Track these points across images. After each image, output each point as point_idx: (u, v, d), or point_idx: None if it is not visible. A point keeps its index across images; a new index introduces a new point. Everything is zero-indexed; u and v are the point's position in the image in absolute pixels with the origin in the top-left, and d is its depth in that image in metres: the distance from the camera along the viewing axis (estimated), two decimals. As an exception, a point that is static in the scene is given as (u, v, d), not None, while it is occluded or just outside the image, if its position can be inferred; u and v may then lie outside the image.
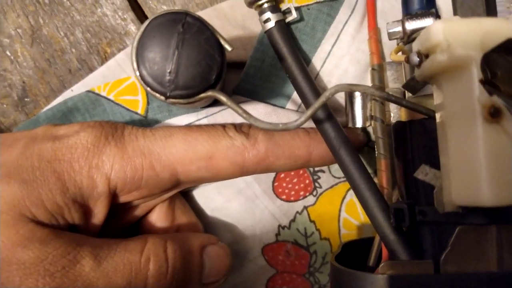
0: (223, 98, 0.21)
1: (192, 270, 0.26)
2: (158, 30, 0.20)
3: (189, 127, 0.26)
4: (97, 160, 0.24)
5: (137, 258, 0.24)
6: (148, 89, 0.21)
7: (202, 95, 0.21)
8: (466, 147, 0.18)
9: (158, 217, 0.28)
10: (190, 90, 0.21)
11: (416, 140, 0.22)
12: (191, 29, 0.20)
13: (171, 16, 0.20)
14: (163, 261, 0.24)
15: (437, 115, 0.20)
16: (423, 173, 0.21)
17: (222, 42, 0.21)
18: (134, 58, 0.21)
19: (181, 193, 0.31)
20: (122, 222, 0.28)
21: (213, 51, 0.21)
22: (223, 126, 0.26)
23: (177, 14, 0.20)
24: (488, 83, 0.18)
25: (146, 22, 0.21)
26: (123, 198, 0.25)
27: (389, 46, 0.28)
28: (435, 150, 0.21)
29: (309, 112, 0.21)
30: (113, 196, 0.25)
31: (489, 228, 0.20)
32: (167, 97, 0.21)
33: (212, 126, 0.26)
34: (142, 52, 0.20)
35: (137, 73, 0.21)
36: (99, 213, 0.25)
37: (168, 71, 0.20)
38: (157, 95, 0.21)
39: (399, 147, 0.24)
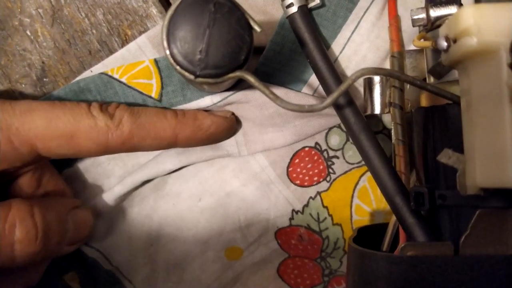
0: (251, 78, 0.21)
1: (59, 233, 0.27)
2: (190, 9, 0.21)
3: (53, 103, 0.26)
4: None
5: (1, 225, 0.24)
6: (178, 67, 0.21)
7: (231, 75, 0.21)
8: (492, 130, 0.18)
9: (23, 183, 0.28)
10: (219, 70, 0.21)
11: (439, 125, 0.23)
12: (222, 9, 0.21)
13: (203, -4, 0.21)
14: (31, 227, 0.25)
15: (462, 100, 0.21)
16: (446, 156, 0.21)
17: (252, 23, 0.21)
18: (165, 37, 0.21)
19: (184, 173, 0.32)
20: None
21: (243, 32, 0.21)
22: (89, 104, 0.26)
23: (208, -6, 0.21)
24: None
25: (178, 1, 0.21)
26: None
27: (409, 34, 0.29)
28: (458, 135, 0.21)
29: (336, 94, 0.21)
30: None
31: (509, 211, 0.21)
32: (196, 76, 0.21)
33: (77, 104, 0.26)
34: (173, 30, 0.21)
35: (168, 52, 0.21)
36: None
37: (199, 50, 0.21)
38: (186, 74, 0.21)
39: (420, 133, 0.24)
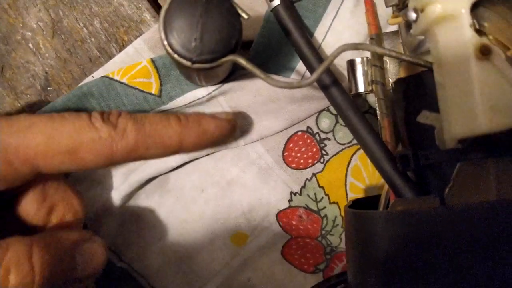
0: (243, 61, 0.23)
1: (63, 271, 0.25)
2: (183, 1, 0.23)
3: (52, 116, 0.25)
4: None
5: None
6: (176, 56, 0.23)
7: (224, 59, 0.23)
8: (462, 85, 0.20)
9: (27, 198, 0.27)
10: (214, 55, 0.23)
11: (416, 92, 0.25)
12: (213, 0, 0.23)
13: (194, -11, 0.23)
14: (27, 271, 0.23)
15: (434, 65, 0.23)
16: (425, 117, 0.23)
17: (240, 11, 0.23)
18: (162, 29, 0.23)
19: (185, 168, 0.33)
20: None
21: (233, 19, 0.23)
22: (89, 115, 0.25)
23: (199, -13, 0.23)
24: (477, 32, 0.21)
25: (172, -5, 0.23)
26: None
27: (384, 18, 0.31)
28: (433, 97, 0.23)
29: (321, 69, 0.24)
30: None
31: (488, 162, 0.23)
32: (193, 62, 0.23)
33: (77, 115, 0.25)
34: (169, 22, 0.23)
35: (165, 42, 0.23)
36: None
37: (194, 38, 0.23)
38: (184, 61, 0.23)
39: (400, 101, 0.27)
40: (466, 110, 0.20)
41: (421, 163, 0.25)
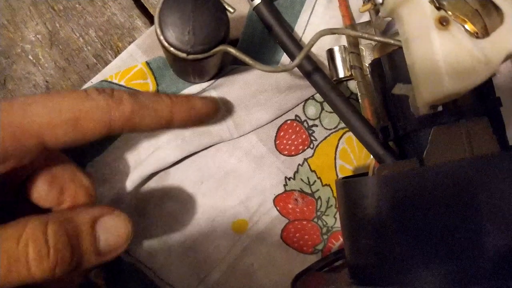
0: (232, 50, 0.26)
1: (81, 245, 0.26)
2: (174, 0, 0.25)
3: (50, 93, 0.26)
4: None
5: (14, 246, 0.24)
6: (172, 49, 0.26)
7: (216, 49, 0.26)
8: (427, 54, 0.23)
9: (37, 182, 0.28)
10: (206, 46, 0.26)
11: (389, 69, 0.28)
12: (201, -3, 0.25)
13: (184, -11, 0.26)
14: (42, 244, 0.24)
15: (403, 42, 0.26)
16: (399, 89, 0.26)
17: (226, 6, 0.26)
18: (157, 25, 0.25)
19: (184, 163, 0.36)
20: (4, 191, 0.28)
21: (220, 13, 0.26)
22: (85, 90, 0.27)
23: (188, -14, 0.26)
24: (437, 9, 0.24)
25: (164, -5, 0.26)
26: None
27: (356, 10, 0.34)
28: (405, 71, 0.26)
29: (302, 53, 0.26)
30: None
31: (459, 123, 0.25)
32: (188, 53, 0.25)
33: (74, 90, 0.27)
34: (164, 19, 0.25)
35: (162, 37, 0.25)
36: None
37: (187, 31, 0.25)
38: (180, 53, 0.26)
39: (377, 80, 0.29)
40: (433, 76, 0.23)
41: (400, 133, 0.27)
